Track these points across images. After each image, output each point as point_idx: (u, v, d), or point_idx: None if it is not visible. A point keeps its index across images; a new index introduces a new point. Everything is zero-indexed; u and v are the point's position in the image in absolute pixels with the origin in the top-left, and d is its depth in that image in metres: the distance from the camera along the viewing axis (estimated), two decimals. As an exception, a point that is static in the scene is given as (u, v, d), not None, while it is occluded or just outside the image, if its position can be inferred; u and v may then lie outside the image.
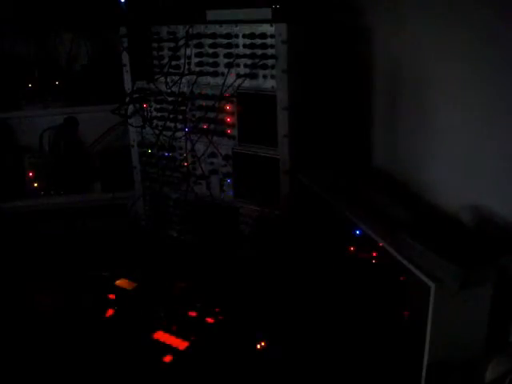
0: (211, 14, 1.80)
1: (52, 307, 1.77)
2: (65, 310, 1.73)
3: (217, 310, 1.67)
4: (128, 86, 2.07)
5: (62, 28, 2.33)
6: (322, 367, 1.43)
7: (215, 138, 1.89)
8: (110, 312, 1.69)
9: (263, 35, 1.67)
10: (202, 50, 1.82)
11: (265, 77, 1.71)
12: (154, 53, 1.94)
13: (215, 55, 1.80)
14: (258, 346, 1.52)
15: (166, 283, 1.81)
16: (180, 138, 1.94)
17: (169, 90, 1.92)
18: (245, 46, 1.72)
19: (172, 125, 1.94)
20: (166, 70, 1.89)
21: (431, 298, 1.15)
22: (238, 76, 1.76)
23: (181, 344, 1.54)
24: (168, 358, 1.48)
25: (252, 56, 1.71)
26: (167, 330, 1.59)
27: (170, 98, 1.94)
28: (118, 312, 1.69)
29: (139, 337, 1.58)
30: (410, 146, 1.71)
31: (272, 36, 1.66)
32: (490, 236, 1.33)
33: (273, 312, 1.62)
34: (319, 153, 1.84)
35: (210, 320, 1.63)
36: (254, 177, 1.85)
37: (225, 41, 1.77)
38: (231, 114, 1.83)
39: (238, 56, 1.75)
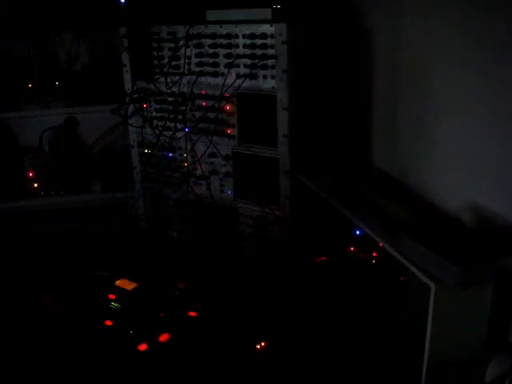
0: (211, 14, 1.80)
1: (52, 307, 1.77)
2: (65, 310, 1.73)
3: (216, 309, 1.67)
4: (128, 86, 2.07)
5: (62, 28, 2.33)
6: (322, 367, 1.43)
7: (215, 138, 1.89)
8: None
9: (263, 35, 1.67)
10: (202, 50, 1.82)
11: (265, 77, 1.71)
12: (154, 53, 1.94)
13: (215, 55, 1.80)
14: (258, 347, 1.53)
15: (165, 283, 1.81)
16: (180, 138, 1.94)
17: (169, 90, 1.92)
18: (245, 46, 1.72)
19: (172, 125, 1.94)
20: (165, 70, 1.89)
21: (431, 298, 1.15)
22: (238, 76, 1.76)
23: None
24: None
25: (252, 56, 1.71)
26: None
27: (170, 98, 1.94)
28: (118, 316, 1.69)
29: (139, 337, 1.58)
30: (409, 147, 1.71)
31: (272, 36, 1.66)
32: (490, 236, 1.33)
33: (273, 312, 1.62)
34: (319, 153, 1.84)
35: (209, 320, 1.63)
36: (253, 177, 1.85)
37: (225, 41, 1.77)
38: (231, 114, 1.83)
39: (238, 56, 1.75)
